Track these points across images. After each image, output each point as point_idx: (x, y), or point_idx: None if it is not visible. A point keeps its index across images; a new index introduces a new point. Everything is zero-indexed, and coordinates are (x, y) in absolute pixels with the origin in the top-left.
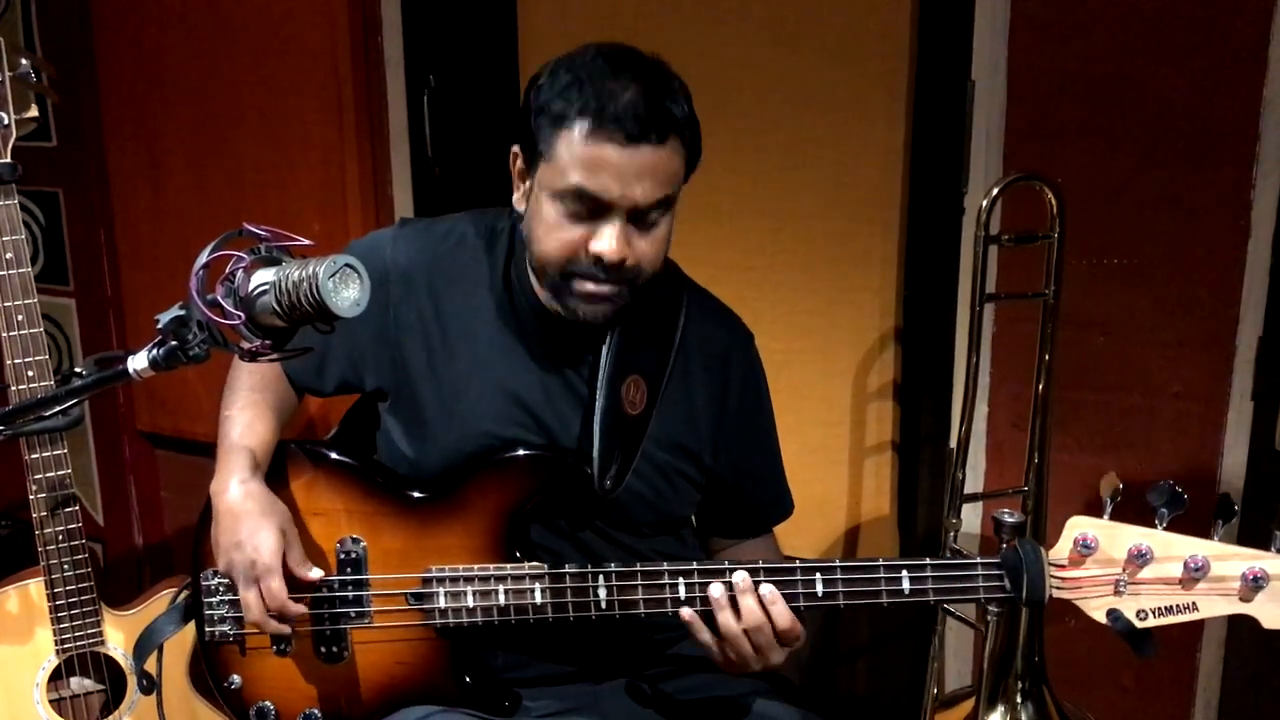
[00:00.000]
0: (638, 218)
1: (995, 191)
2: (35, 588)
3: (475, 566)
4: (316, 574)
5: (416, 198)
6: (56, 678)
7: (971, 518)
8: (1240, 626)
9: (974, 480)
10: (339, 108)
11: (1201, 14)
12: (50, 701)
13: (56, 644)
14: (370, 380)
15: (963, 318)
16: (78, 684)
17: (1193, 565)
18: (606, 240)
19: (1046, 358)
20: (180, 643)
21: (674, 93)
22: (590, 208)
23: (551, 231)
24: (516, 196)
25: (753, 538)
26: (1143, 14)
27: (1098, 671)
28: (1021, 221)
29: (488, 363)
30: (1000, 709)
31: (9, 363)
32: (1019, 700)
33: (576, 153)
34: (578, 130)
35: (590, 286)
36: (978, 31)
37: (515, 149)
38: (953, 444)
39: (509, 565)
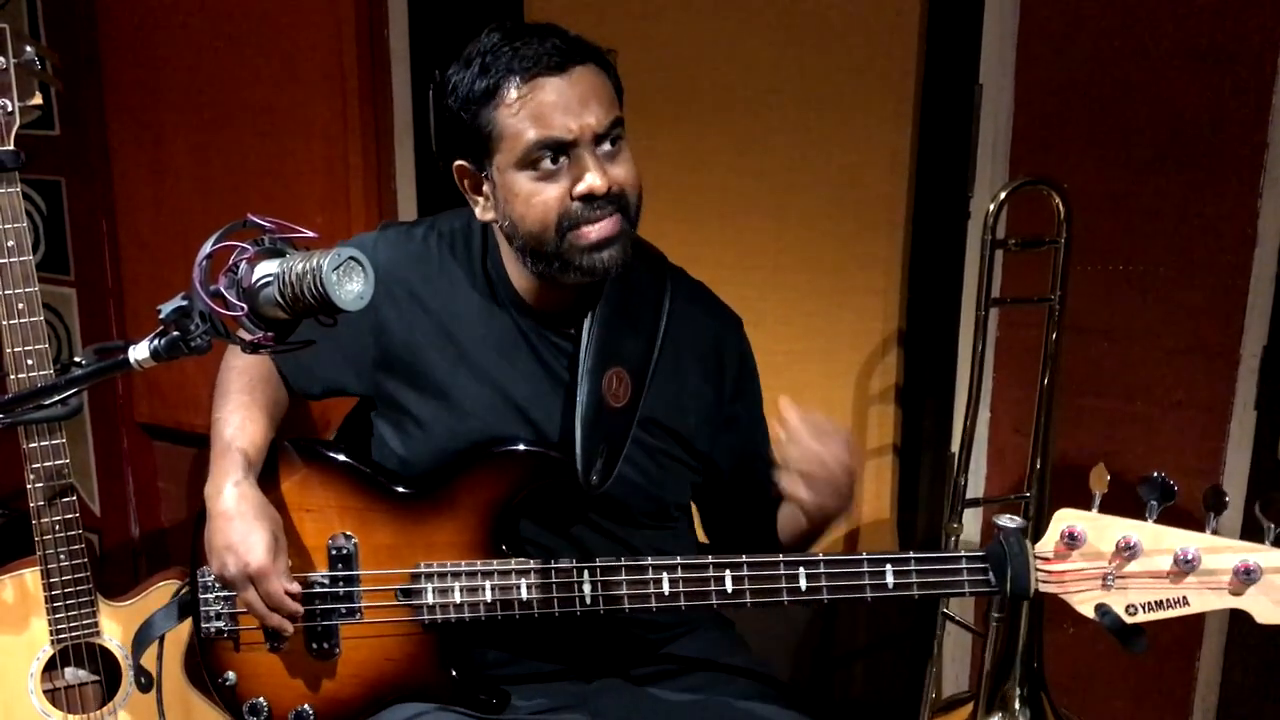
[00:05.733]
0: (600, 145)
1: (1002, 195)
2: (31, 577)
3: (463, 562)
4: (295, 589)
5: (420, 192)
6: (51, 668)
7: (972, 523)
8: (1239, 635)
9: (975, 485)
10: (344, 101)
11: (1211, 22)
12: (45, 692)
13: (52, 634)
14: (355, 384)
15: (967, 321)
16: (73, 675)
17: (1183, 558)
18: (590, 176)
19: (1050, 363)
20: (176, 638)
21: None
22: (556, 156)
23: (531, 200)
24: (479, 209)
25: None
26: (1152, 20)
27: (1096, 679)
28: (1027, 226)
29: (472, 359)
30: (998, 715)
31: (8, 351)
32: (1017, 706)
33: (521, 110)
34: (512, 90)
35: (593, 231)
36: (986, 36)
37: (458, 163)
38: (954, 448)
39: (496, 561)
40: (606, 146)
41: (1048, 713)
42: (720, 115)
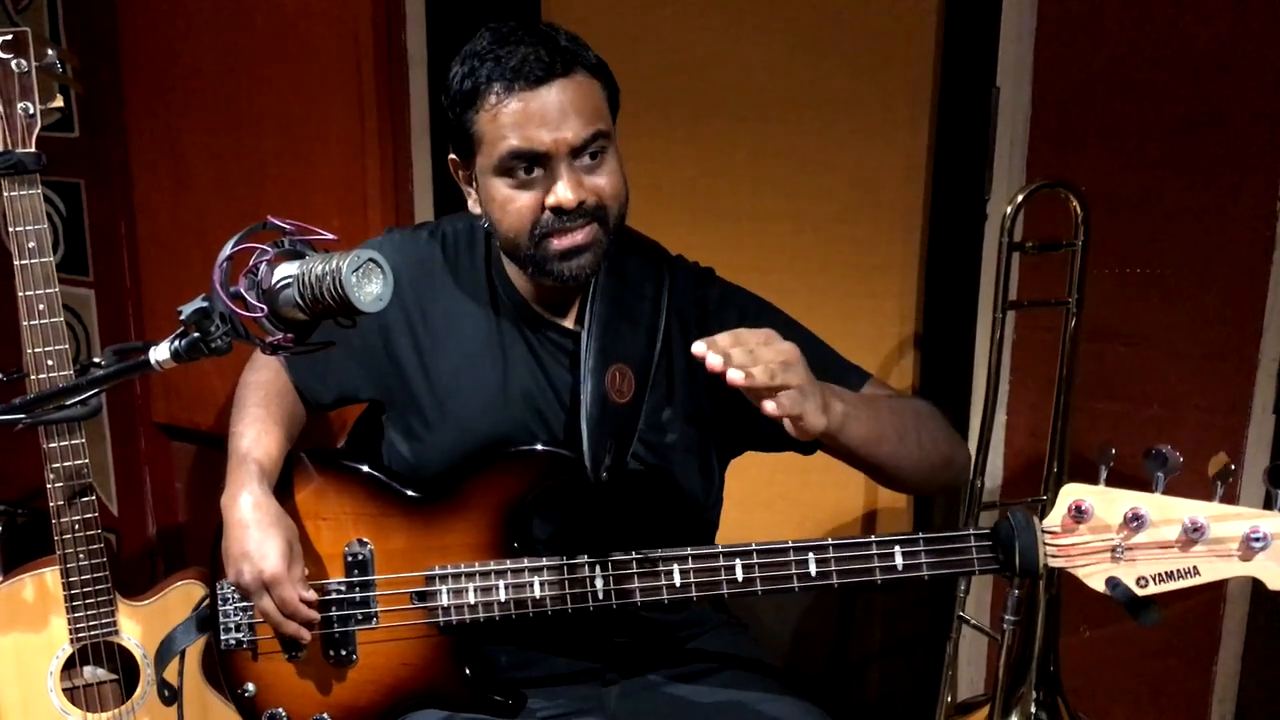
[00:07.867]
0: (579, 157)
1: (1019, 198)
2: (51, 576)
3: (476, 563)
4: (311, 596)
5: (437, 195)
6: (70, 666)
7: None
8: (1257, 642)
9: (992, 489)
10: (361, 103)
11: (1229, 23)
12: (64, 690)
13: (71, 633)
14: (365, 389)
15: (984, 325)
16: (91, 673)
17: (1191, 527)
18: (560, 189)
19: (1067, 366)
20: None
21: (566, 37)
22: (530, 166)
23: (507, 206)
24: (470, 203)
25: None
26: (1170, 22)
27: (1113, 683)
28: (1044, 229)
29: (476, 360)
30: (1014, 718)
31: (29, 351)
32: (1033, 710)
33: (499, 119)
34: (492, 98)
35: (565, 241)
36: (1003, 37)
37: (451, 156)
38: (971, 451)
39: (509, 560)
40: (585, 159)
41: (1064, 716)
42: (736, 118)
